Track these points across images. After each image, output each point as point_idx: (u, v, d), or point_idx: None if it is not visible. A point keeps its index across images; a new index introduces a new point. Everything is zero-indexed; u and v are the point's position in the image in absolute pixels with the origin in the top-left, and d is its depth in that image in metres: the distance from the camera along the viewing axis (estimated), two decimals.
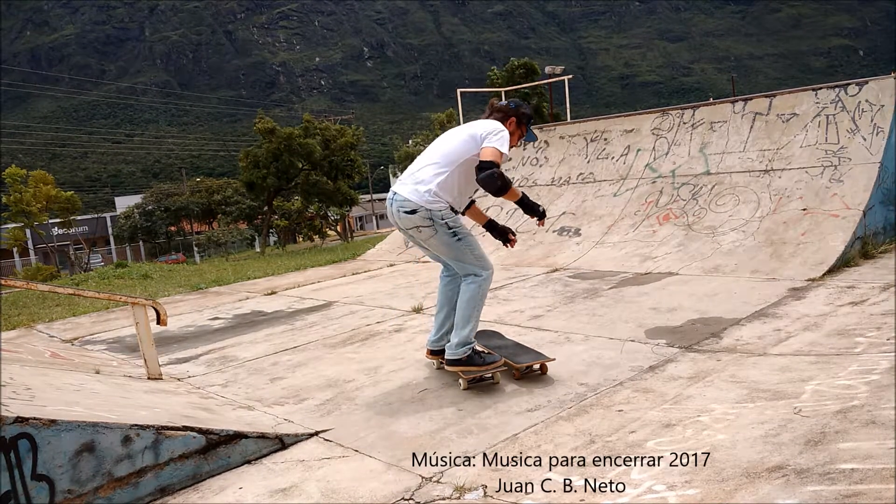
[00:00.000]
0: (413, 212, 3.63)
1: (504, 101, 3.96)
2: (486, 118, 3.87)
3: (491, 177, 3.49)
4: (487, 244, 8.83)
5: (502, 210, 9.33)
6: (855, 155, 6.59)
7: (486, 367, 3.74)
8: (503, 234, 3.99)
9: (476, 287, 3.73)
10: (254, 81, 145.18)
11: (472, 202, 4.02)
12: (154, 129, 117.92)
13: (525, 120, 3.93)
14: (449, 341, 3.81)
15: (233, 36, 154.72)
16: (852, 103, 6.89)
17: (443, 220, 3.63)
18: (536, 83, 28.23)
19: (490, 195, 3.67)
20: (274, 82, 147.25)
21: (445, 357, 3.82)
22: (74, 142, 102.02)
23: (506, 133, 3.69)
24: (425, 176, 3.67)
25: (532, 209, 3.80)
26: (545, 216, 3.89)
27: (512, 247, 4.09)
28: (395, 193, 3.71)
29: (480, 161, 3.56)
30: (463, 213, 3.94)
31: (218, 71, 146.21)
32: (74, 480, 2.58)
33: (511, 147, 3.88)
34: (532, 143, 4.11)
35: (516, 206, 4.07)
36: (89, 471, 2.63)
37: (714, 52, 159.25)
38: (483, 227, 4.08)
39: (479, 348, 3.84)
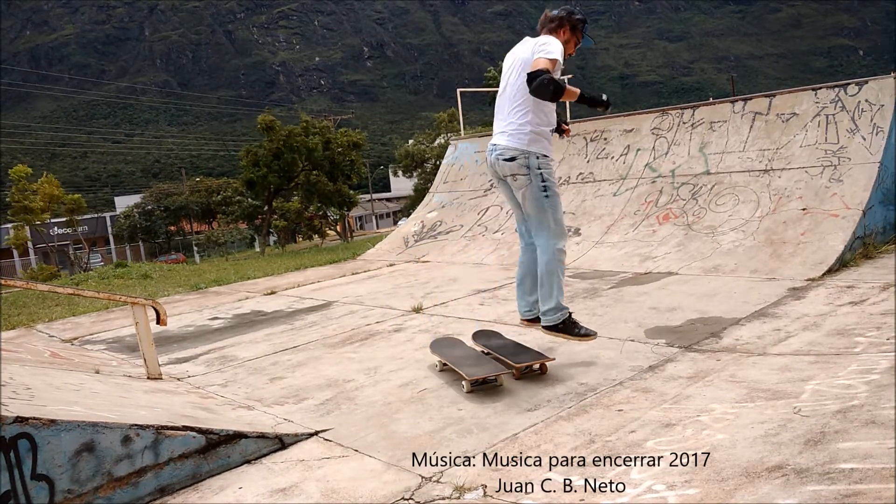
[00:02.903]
0: (512, 159, 3.72)
1: (555, 11, 3.92)
2: (540, 32, 3.85)
3: (541, 84, 3.45)
4: (488, 247, 8.82)
5: (502, 210, 9.33)
6: (855, 155, 6.58)
7: (581, 337, 3.85)
8: (558, 128, 4.03)
9: (550, 257, 3.80)
10: (254, 81, 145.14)
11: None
12: (154, 129, 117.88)
13: (580, 26, 3.91)
14: (539, 309, 3.91)
15: (233, 36, 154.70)
16: (852, 103, 6.88)
17: (539, 169, 3.71)
18: None
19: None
20: (274, 82, 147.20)
21: (542, 324, 3.92)
22: (74, 142, 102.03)
23: (556, 43, 3.65)
24: (514, 120, 3.74)
25: (596, 101, 3.80)
26: (610, 105, 3.86)
27: (565, 136, 4.19)
28: (494, 146, 3.82)
29: (528, 73, 3.54)
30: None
31: (218, 71, 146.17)
32: (74, 480, 2.58)
33: (568, 55, 3.88)
34: (589, 46, 4.17)
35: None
36: (89, 470, 2.63)
37: (714, 52, 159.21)
38: None
39: (574, 318, 3.91)
